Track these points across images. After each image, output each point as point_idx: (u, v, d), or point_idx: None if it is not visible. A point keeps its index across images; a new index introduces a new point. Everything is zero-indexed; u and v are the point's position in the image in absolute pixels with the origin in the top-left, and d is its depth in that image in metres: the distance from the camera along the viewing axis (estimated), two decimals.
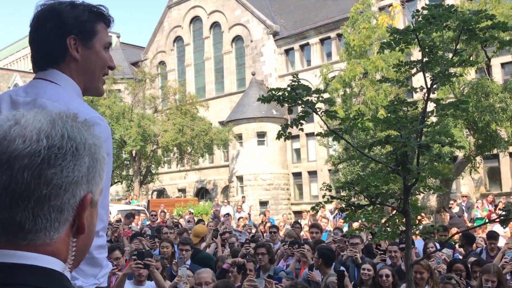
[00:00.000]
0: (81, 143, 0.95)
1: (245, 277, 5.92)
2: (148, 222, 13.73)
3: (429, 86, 4.50)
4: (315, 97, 4.48)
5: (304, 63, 33.70)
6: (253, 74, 33.46)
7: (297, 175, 32.96)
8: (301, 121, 4.53)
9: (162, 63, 39.56)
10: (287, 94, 4.57)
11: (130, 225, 12.29)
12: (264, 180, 31.47)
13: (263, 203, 31.27)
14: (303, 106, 4.44)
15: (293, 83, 4.47)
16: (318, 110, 4.40)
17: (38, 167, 0.90)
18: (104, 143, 1.54)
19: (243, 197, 27.33)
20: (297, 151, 33.09)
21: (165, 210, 20.58)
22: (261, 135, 31.23)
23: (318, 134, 4.86)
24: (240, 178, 32.03)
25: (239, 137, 31.60)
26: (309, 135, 29.23)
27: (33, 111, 0.97)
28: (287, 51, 34.24)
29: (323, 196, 5.10)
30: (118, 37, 43.70)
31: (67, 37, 1.76)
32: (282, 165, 32.31)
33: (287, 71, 33.67)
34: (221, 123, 33.35)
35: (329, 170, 28.50)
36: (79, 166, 0.94)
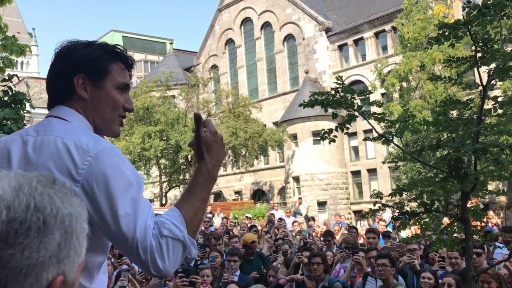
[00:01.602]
0: (50, 215, 0.82)
1: None
2: (201, 229, 13.63)
3: (484, 83, 4.04)
4: (360, 99, 4.14)
5: (358, 58, 32.93)
6: (306, 72, 33.06)
7: (356, 173, 32.24)
8: (347, 125, 4.21)
9: (214, 66, 39.83)
10: (331, 98, 4.26)
11: None
12: (321, 180, 30.98)
13: (321, 204, 30.79)
14: (349, 109, 4.12)
15: (337, 85, 4.16)
16: (367, 112, 4.06)
17: None
18: (114, 170, 1.52)
19: (300, 198, 26.96)
20: (355, 149, 32.35)
21: (221, 215, 20.59)
22: (316, 134, 30.72)
23: (366, 139, 4.54)
24: (296, 179, 31.68)
25: (294, 137, 31.25)
26: (367, 131, 28.49)
27: (1, 173, 0.86)
28: (340, 47, 33.60)
29: (374, 204, 4.80)
30: (171, 43, 44.42)
31: (75, 76, 1.73)
32: (339, 163, 31.70)
33: (342, 68, 33.03)
34: (275, 123, 33.14)
35: (389, 168, 27.63)
36: (46, 243, 0.81)
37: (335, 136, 4.63)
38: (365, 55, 32.41)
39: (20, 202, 0.80)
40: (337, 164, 31.52)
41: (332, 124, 4.79)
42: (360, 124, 28.64)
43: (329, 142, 4.11)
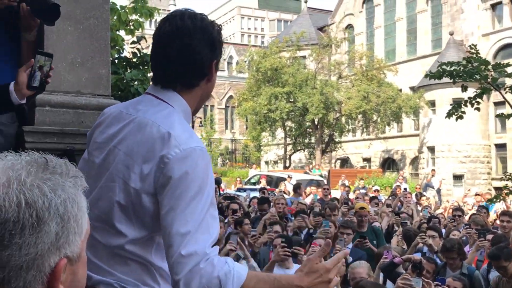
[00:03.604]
0: (43, 208, 0.83)
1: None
2: (319, 197, 12.97)
3: None
4: (495, 71, 3.15)
5: None
6: (451, 34, 30.24)
7: (501, 146, 29.19)
8: (478, 100, 3.28)
9: (349, 26, 38.19)
10: (461, 69, 3.31)
11: (298, 199, 11.71)
12: (459, 151, 28.58)
13: (457, 177, 28.50)
14: (482, 82, 3.17)
15: (470, 54, 3.20)
16: (503, 85, 3.07)
17: None
18: (202, 173, 1.55)
19: (433, 170, 25.10)
20: (502, 120, 29.08)
21: (346, 183, 19.70)
22: (457, 101, 28.09)
23: (498, 116, 3.61)
24: (431, 149, 29.58)
25: (432, 104, 28.99)
26: None
27: None
28: (493, 6, 30.06)
29: (505, 187, 4.08)
30: (306, 1, 43.38)
31: (213, 61, 1.72)
32: (482, 135, 28.93)
33: (493, 29, 29.63)
34: (412, 88, 31.05)
35: None
36: (43, 237, 0.82)
37: (478, 109, 3.80)
38: None
39: (10, 201, 0.81)
40: (479, 135, 28.81)
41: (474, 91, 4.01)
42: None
43: (456, 120, 3.23)
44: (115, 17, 7.50)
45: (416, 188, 17.08)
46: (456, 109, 3.50)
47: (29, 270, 0.82)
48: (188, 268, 1.46)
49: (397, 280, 4.70)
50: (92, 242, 1.59)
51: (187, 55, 1.66)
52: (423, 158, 30.23)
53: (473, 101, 3.40)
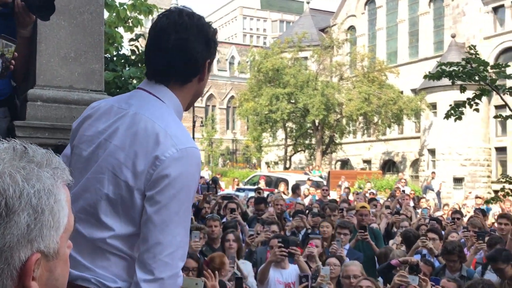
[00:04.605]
0: (13, 197, 0.80)
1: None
2: (317, 198, 12.95)
3: None
4: (494, 72, 3.14)
5: None
6: (453, 36, 30.20)
7: (501, 150, 29.13)
8: (477, 101, 3.27)
9: (351, 28, 38.19)
10: (460, 70, 3.30)
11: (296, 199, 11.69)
12: (460, 154, 28.53)
13: (458, 180, 28.45)
14: (481, 83, 3.16)
15: (469, 55, 3.19)
16: (502, 87, 3.06)
17: None
18: (193, 177, 1.58)
19: (433, 173, 25.06)
20: (503, 123, 29.02)
21: (345, 184, 19.66)
22: (459, 105, 28.04)
23: (496, 117, 3.66)
24: (432, 151, 29.54)
25: (433, 106, 28.95)
26: None
27: None
28: (495, 9, 29.99)
29: (502, 189, 4.15)
30: (308, 2, 43.34)
31: (207, 60, 1.73)
32: (483, 138, 28.89)
33: (495, 32, 29.56)
34: (413, 91, 31.00)
35: None
36: (12, 227, 0.79)
37: (477, 110, 3.81)
38: None
39: None
40: (480, 138, 28.76)
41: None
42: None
43: (455, 120, 3.23)
44: (114, 14, 7.47)
45: (411, 193, 16.93)
46: (455, 110, 3.51)
47: None
48: (170, 274, 1.53)
49: (394, 277, 4.71)
50: (74, 234, 1.57)
51: (182, 49, 1.66)
52: (424, 161, 30.17)
53: (472, 102, 3.41)
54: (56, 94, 2.91)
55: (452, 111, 3.60)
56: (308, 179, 18.07)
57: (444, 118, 3.94)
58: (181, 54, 1.67)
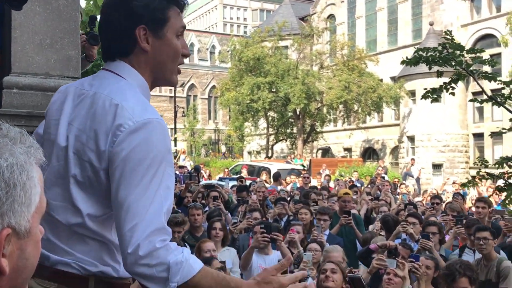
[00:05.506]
0: None
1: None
2: (299, 185, 13.05)
3: None
4: (470, 57, 3.25)
5: (492, 9, 29.49)
6: (431, 24, 30.44)
7: (479, 136, 29.55)
8: (453, 85, 3.36)
9: (331, 16, 38.21)
10: (437, 55, 3.38)
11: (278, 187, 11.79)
12: (439, 141, 28.91)
13: (437, 166, 28.85)
14: (456, 68, 3.25)
15: (446, 40, 3.27)
16: (477, 71, 3.14)
17: None
18: (157, 145, 1.52)
19: (413, 159, 25.33)
20: (480, 109, 29.49)
21: (326, 172, 19.80)
22: (435, 89, 28.32)
23: (472, 100, 3.77)
24: (411, 139, 29.87)
25: (412, 94, 29.22)
26: (495, 90, 25.63)
27: None
28: None
29: (477, 173, 4.27)
30: None
31: (136, 28, 1.65)
32: (461, 124, 29.29)
33: (471, 19, 29.88)
34: (393, 78, 31.23)
35: None
36: None
37: (453, 93, 3.95)
38: (500, 6, 28.93)
39: None
40: (458, 125, 29.16)
41: (459, 82, 4.17)
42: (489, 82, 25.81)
43: (432, 101, 3.35)
44: (91, 2, 7.38)
45: (395, 180, 17.15)
46: (432, 93, 3.62)
47: None
48: (144, 236, 1.45)
49: (373, 261, 4.78)
50: (52, 221, 1.58)
51: (104, 25, 1.71)
52: (403, 148, 30.48)
53: (448, 86, 3.51)
54: (32, 81, 2.89)
55: (429, 94, 3.69)
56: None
57: (421, 99, 4.03)
58: (107, 31, 1.70)
